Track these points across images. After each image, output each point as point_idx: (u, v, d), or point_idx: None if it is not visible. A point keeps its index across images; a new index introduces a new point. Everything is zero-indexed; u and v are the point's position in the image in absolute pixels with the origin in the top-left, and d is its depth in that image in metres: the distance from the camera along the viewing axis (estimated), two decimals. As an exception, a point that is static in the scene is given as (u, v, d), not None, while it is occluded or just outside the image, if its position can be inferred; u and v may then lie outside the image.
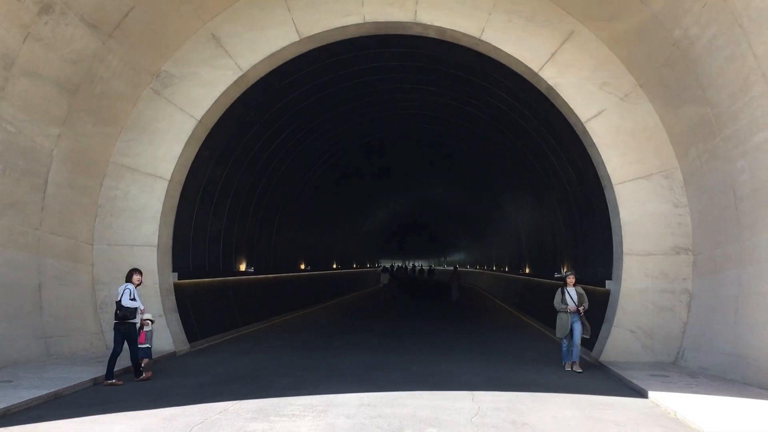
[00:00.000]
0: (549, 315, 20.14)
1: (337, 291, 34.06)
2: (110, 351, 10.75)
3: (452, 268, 35.12)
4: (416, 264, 68.30)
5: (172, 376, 11.16)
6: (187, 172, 14.41)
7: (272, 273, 22.61)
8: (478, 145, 23.29)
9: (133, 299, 10.64)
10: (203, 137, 14.42)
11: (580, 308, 12.25)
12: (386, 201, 42.79)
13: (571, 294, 12.42)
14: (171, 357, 13.20)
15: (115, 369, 10.48)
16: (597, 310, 14.71)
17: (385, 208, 45.33)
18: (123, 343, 10.56)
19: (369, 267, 50.39)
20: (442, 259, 75.98)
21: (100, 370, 10.62)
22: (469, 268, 54.90)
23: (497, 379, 11.21)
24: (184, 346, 13.92)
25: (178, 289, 14.59)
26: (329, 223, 32.00)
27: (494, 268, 40.20)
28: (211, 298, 16.60)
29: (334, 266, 35.00)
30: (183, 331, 14.17)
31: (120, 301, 10.52)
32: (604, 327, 13.44)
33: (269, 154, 18.93)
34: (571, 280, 12.59)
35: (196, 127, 13.82)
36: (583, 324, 12.25)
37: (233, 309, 17.88)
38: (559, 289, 12.64)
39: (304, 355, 13.58)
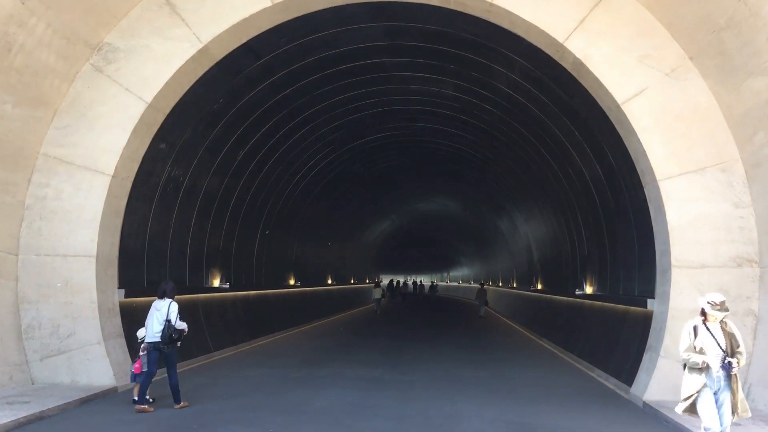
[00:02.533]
0: (567, 337, 17.68)
1: (331, 309, 31.44)
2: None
3: (479, 285, 34.06)
4: (416, 279, 65.51)
5: (94, 422, 8.60)
6: (137, 167, 11.94)
7: (254, 289, 20.06)
8: (485, 144, 20.80)
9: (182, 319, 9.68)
10: (157, 125, 11.97)
11: (734, 363, 6.54)
12: (385, 212, 40.28)
13: (716, 335, 6.70)
14: (110, 394, 10.64)
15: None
16: (634, 336, 12.15)
17: (384, 220, 42.82)
18: (157, 365, 9.54)
19: (368, 283, 47.77)
20: (445, 274, 73.30)
21: (22, 414, 8.21)
22: (472, 284, 52.23)
23: (518, 428, 8.64)
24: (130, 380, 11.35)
25: (125, 309, 12.06)
26: (322, 235, 29.48)
27: (500, 284, 37.59)
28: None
29: (329, 282, 32.44)
30: (130, 362, 11.56)
31: (169, 320, 9.40)
32: (646, 357, 10.85)
33: (247, 152, 16.46)
34: (716, 313, 6.69)
35: (146, 111, 11.36)
36: (733, 393, 6.66)
37: (203, 331, 15.31)
38: (691, 326, 6.88)
39: (276, 391, 11.00)
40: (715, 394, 6.74)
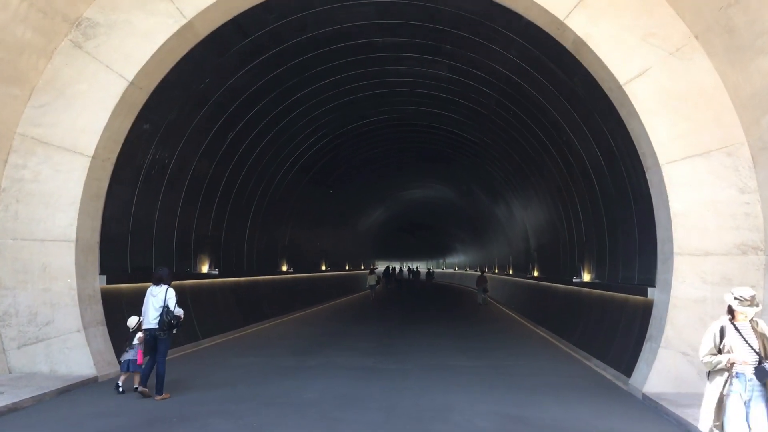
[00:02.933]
0: (563, 325, 17.34)
1: (325, 295, 31.09)
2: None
3: (479, 272, 34.18)
4: (411, 266, 65.06)
5: (70, 413, 8.20)
6: (119, 149, 11.47)
7: (245, 275, 19.65)
8: (482, 128, 20.34)
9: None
10: (140, 105, 11.49)
11: None
12: (380, 198, 39.85)
13: (747, 336, 5.82)
14: (89, 384, 10.23)
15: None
16: (633, 325, 11.80)
17: (379, 205, 42.39)
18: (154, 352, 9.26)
19: (364, 269, 47.40)
20: (441, 260, 73.06)
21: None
22: (468, 271, 51.92)
23: (513, 421, 8.27)
24: (112, 369, 10.95)
25: (108, 296, 11.65)
26: (316, 221, 29.05)
27: (496, 271, 37.25)
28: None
29: (323, 268, 32.06)
30: (112, 350, 11.19)
31: (167, 306, 9.15)
32: (646, 348, 10.49)
33: (236, 134, 15.98)
34: (746, 310, 5.82)
35: (128, 90, 10.88)
36: None
37: (191, 319, 14.89)
38: (716, 327, 5.96)
39: (263, 381, 10.62)
40: (745, 404, 5.71)
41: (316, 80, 16.33)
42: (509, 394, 9.89)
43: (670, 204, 10.03)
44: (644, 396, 9.73)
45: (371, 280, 34.76)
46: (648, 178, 10.76)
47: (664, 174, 10.09)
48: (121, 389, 9.45)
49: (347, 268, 39.73)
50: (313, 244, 29.77)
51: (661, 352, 9.90)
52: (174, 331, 9.36)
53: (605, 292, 14.01)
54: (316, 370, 11.74)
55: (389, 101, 19.99)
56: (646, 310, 11.14)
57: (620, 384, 10.95)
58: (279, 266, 23.78)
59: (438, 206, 45.29)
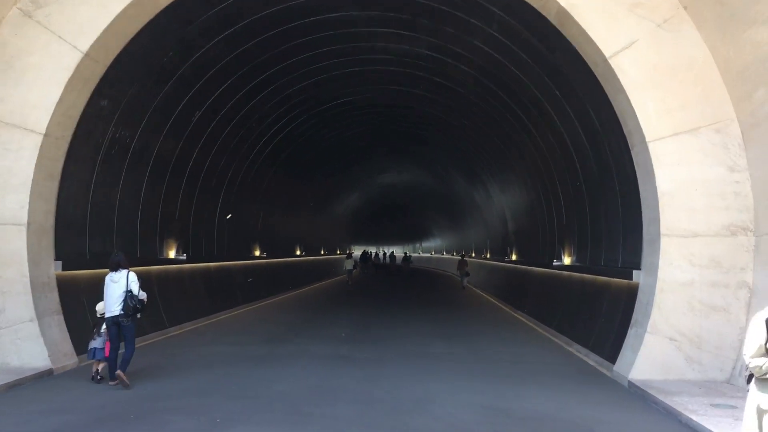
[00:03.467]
0: (541, 309, 16.96)
1: (300, 281, 30.49)
2: None
3: (460, 256, 33.83)
4: (387, 251, 64.53)
5: (16, 410, 7.55)
6: (74, 126, 10.71)
7: (216, 261, 18.97)
8: (460, 108, 19.79)
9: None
10: (96, 79, 10.72)
11: None
12: (356, 182, 39.21)
13: None
14: (44, 377, 9.56)
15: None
16: (616, 310, 11.41)
17: (355, 189, 41.77)
18: (119, 339, 9.06)
19: (340, 254, 46.84)
20: (418, 245, 72.71)
21: None
22: (445, 255, 51.60)
23: (495, 413, 7.80)
24: (69, 360, 10.29)
25: (65, 283, 10.94)
26: (290, 205, 28.36)
27: (473, 255, 36.92)
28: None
29: (298, 253, 31.42)
30: (69, 340, 10.52)
31: (130, 290, 8.93)
32: (631, 333, 10.09)
33: (204, 113, 15.23)
34: None
35: (83, 62, 10.11)
36: None
37: (157, 306, 14.23)
38: (762, 319, 4.47)
39: (231, 372, 10.02)
40: None
41: (288, 56, 15.61)
42: (491, 383, 9.44)
43: (657, 183, 9.61)
44: (630, 383, 9.34)
45: (348, 264, 35.05)
46: (633, 157, 10.31)
47: (650, 152, 9.65)
48: (99, 376, 9.20)
49: (323, 252, 39.13)
50: (288, 229, 29.10)
51: (648, 338, 9.50)
52: (138, 316, 9.12)
53: (586, 276, 13.63)
54: (288, 359, 11.18)
55: (365, 80, 19.32)
56: (631, 294, 10.76)
57: (604, 371, 10.56)
58: (252, 251, 23.11)
59: (415, 190, 44.79)
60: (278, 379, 9.51)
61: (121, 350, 9.12)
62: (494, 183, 24.73)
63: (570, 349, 12.80)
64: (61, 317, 10.50)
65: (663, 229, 9.56)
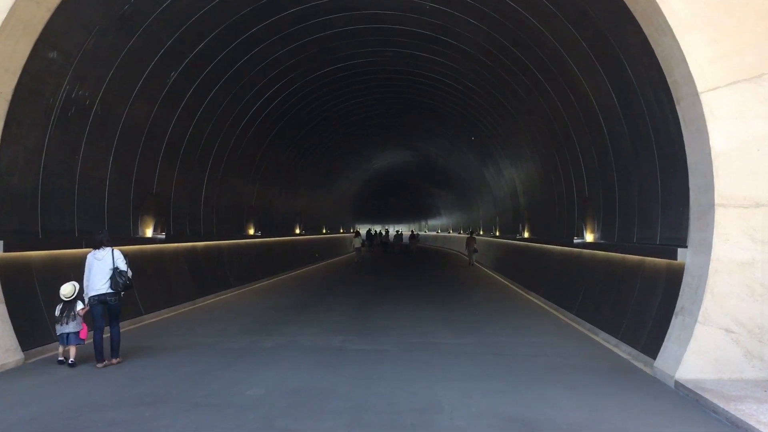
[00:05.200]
0: (559, 292, 15.33)
1: (299, 261, 28.99)
2: None
3: (468, 233, 34.36)
4: (388, 229, 62.87)
5: None
6: (16, 81, 9.08)
7: (202, 240, 17.41)
8: (469, 70, 18.04)
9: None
10: (40, 25, 9.07)
11: None
12: (360, 157, 37.48)
13: None
14: (-23, 378, 8.06)
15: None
16: (653, 294, 9.80)
17: (359, 165, 40.04)
18: (104, 319, 8.82)
19: (343, 232, 45.31)
20: (424, 223, 71.15)
21: None
22: (452, 233, 50.03)
23: (517, 426, 6.22)
24: (11, 357, 8.75)
25: (11, 266, 9.39)
26: (289, 180, 26.73)
27: (481, 233, 35.31)
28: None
29: (297, 231, 29.87)
30: (13, 335, 8.96)
31: (117, 267, 8.77)
32: (676, 323, 8.47)
33: (182, 73, 13.58)
34: None
35: (21, 3, 8.45)
36: None
37: (131, 291, 12.65)
38: None
39: (202, 371, 8.47)
40: None
41: (276, 9, 13.89)
42: (508, 383, 7.86)
43: (711, 142, 7.93)
44: (677, 384, 7.75)
45: (356, 243, 35.72)
46: (679, 113, 8.61)
47: (703, 105, 7.96)
48: (72, 361, 8.70)
49: (324, 231, 37.58)
50: (286, 206, 27.51)
51: (699, 329, 7.89)
52: (122, 294, 8.90)
53: (613, 255, 12.00)
54: (272, 353, 9.62)
55: (366, 42, 17.57)
56: (672, 275, 9.15)
57: (641, 366, 8.98)
58: (245, 229, 21.55)
59: (421, 165, 43.05)
60: (255, 379, 7.95)
61: (106, 334, 8.86)
62: (504, 154, 23.02)
63: (596, 338, 11.22)
64: (4, 306, 8.93)
65: (717, 199, 7.90)
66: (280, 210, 26.52)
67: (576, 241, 14.04)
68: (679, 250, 8.72)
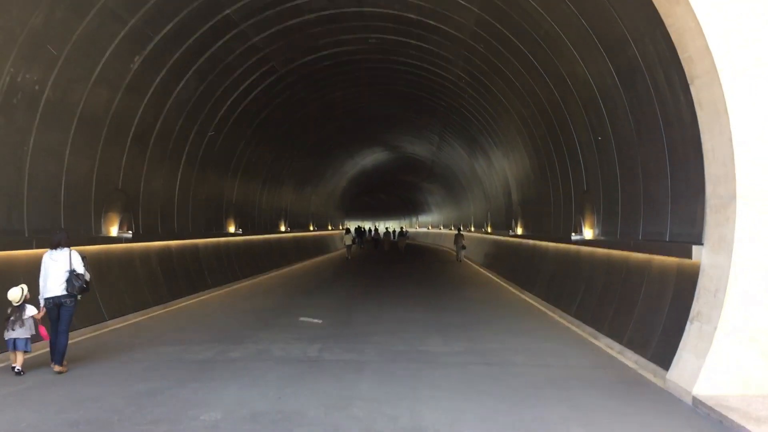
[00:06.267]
0: (556, 292, 14.35)
1: (284, 259, 27.96)
2: None
3: (457, 230, 35.09)
4: (377, 226, 61.89)
5: None
6: (-55, 61, 8.02)
7: (176, 238, 16.35)
8: (458, 57, 17.04)
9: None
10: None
11: None
12: (348, 152, 36.39)
13: None
14: None
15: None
16: (662, 296, 8.87)
17: (347, 160, 38.96)
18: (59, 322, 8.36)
19: (331, 230, 44.28)
20: (414, 219, 70.21)
21: None
22: (442, 230, 49.11)
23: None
24: (-60, 374, 7.72)
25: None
26: (273, 175, 25.65)
27: (472, 229, 34.40)
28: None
29: (282, 229, 28.82)
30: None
31: (74, 269, 8.41)
32: (692, 330, 7.52)
33: (146, 60, 12.51)
34: None
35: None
36: None
37: (92, 295, 11.61)
38: None
39: (148, 391, 7.43)
40: None
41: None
42: (504, 402, 6.89)
43: (732, 127, 6.98)
44: (696, 400, 6.80)
45: (347, 240, 35.49)
46: (694, 94, 7.64)
47: (723, 84, 7.00)
48: (18, 369, 8.15)
49: (311, 228, 36.54)
50: (270, 202, 26.46)
51: (719, 338, 6.94)
52: (79, 297, 8.52)
53: (615, 252, 11.07)
54: (239, 366, 8.60)
55: (347, 28, 16.53)
56: (684, 276, 8.21)
57: (651, 377, 8.04)
58: (224, 227, 20.50)
59: (410, 159, 42.01)
60: (213, 400, 6.93)
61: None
62: (496, 147, 22.05)
63: (597, 343, 10.28)
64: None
65: (740, 190, 6.96)
66: (264, 206, 25.48)
67: (574, 237, 13.09)
68: (694, 247, 7.76)
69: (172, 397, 7.02)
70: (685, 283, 8.14)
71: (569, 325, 12.00)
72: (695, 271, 7.82)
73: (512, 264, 21.14)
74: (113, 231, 12.91)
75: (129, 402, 6.85)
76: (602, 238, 11.88)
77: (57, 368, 8.18)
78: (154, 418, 6.28)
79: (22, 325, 8.15)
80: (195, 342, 10.32)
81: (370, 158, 41.81)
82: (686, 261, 8.11)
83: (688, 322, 7.62)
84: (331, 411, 6.50)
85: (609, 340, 10.12)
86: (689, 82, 7.69)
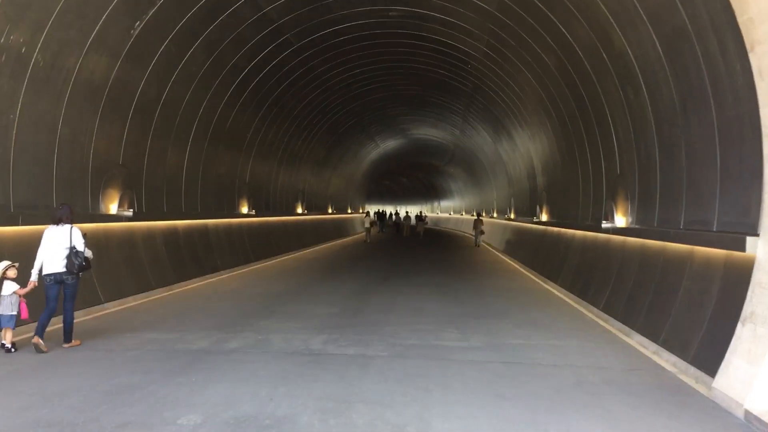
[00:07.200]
0: (583, 283, 13.30)
1: (300, 242, 27.24)
2: None
3: (476, 216, 35.64)
4: (398, 210, 60.92)
5: None
6: None
7: (184, 218, 15.65)
8: (484, 32, 16.03)
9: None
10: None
11: None
12: (368, 133, 35.46)
13: None
14: None
15: None
16: (706, 293, 7.91)
17: (368, 142, 38.04)
18: (57, 300, 8.24)
19: (350, 213, 43.52)
20: (436, 204, 69.21)
21: None
22: (464, 215, 48.09)
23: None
24: None
25: None
26: (290, 155, 24.85)
27: (495, 215, 33.41)
28: (28, 260, 9.49)
29: (299, 211, 28.09)
30: None
31: (74, 246, 8.23)
32: (744, 333, 6.57)
33: (147, 26, 11.71)
34: None
35: None
36: None
37: (89, 277, 10.95)
38: None
39: (126, 387, 6.69)
40: None
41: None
42: (526, 410, 6.02)
43: (801, 99, 5.98)
44: (749, 414, 5.88)
45: (366, 222, 36.12)
46: (753, 62, 6.63)
47: (791, 48, 5.99)
48: (8, 347, 8.02)
49: (330, 211, 35.79)
50: (287, 183, 25.70)
51: (778, 344, 6.00)
52: (80, 275, 8.40)
53: (651, 242, 10.09)
54: (233, 359, 7.83)
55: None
56: (734, 269, 7.26)
57: (693, 383, 7.12)
58: (237, 207, 19.78)
59: (432, 143, 41.02)
60: (197, 399, 6.16)
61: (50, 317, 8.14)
62: (520, 129, 21.01)
63: (629, 341, 9.35)
64: None
65: (807, 172, 5.97)
66: (280, 187, 24.72)
67: (605, 225, 12.10)
68: (748, 239, 6.77)
69: (151, 395, 6.26)
70: (735, 279, 7.19)
71: (597, 320, 11.07)
72: (747, 265, 6.86)
73: (536, 252, 20.16)
74: (112, 209, 12.21)
75: (103, 399, 6.10)
76: (637, 226, 10.89)
77: (66, 345, 8.28)
78: (124, 420, 5.51)
79: (2, 301, 7.99)
80: (192, 330, 9.59)
81: (392, 141, 40.87)
82: (736, 254, 7.15)
83: (739, 324, 6.67)
84: (327, 417, 5.69)
85: (642, 338, 9.19)
86: (748, 49, 6.67)
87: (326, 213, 34.85)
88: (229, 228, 18.95)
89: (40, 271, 8.22)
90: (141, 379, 6.82)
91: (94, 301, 11.07)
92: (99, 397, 6.17)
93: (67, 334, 8.33)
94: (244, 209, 20.30)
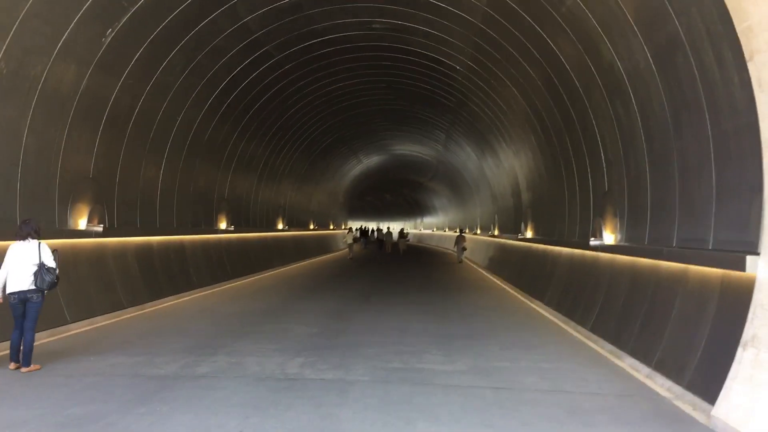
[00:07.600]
0: (570, 302, 12.92)
1: (281, 259, 26.69)
2: None
3: (458, 232, 36.14)
4: (380, 227, 60.46)
5: None
6: None
7: (158, 234, 15.09)
8: (468, 45, 15.75)
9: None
10: None
11: None
12: (351, 148, 35.09)
13: None
14: None
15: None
16: (702, 314, 7.55)
17: (350, 159, 37.69)
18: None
19: (333, 229, 43.01)
20: (419, 220, 68.92)
21: None
22: (447, 232, 47.77)
23: None
24: None
25: None
26: (270, 170, 24.37)
27: (478, 232, 33.11)
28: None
29: (280, 227, 27.56)
30: None
31: (43, 263, 7.89)
32: (745, 358, 6.19)
33: (119, 34, 11.26)
34: None
35: None
36: None
37: (54, 295, 10.37)
38: None
39: (91, 415, 6.16)
40: None
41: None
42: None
43: (804, 110, 5.66)
44: (753, 446, 5.48)
45: (349, 239, 35.75)
46: (752, 72, 6.32)
47: (793, 57, 5.68)
48: None
49: (312, 227, 35.28)
50: (267, 199, 25.20)
51: (784, 370, 5.62)
52: (46, 292, 8.05)
53: (642, 260, 9.74)
54: (201, 384, 7.31)
55: (347, 11, 15.26)
56: (731, 290, 6.90)
57: (690, 410, 6.71)
58: (215, 223, 19.24)
59: (417, 158, 40.73)
60: None
61: None
62: (506, 145, 20.73)
63: (621, 364, 8.96)
64: None
65: (812, 188, 5.64)
66: (260, 203, 24.21)
67: (593, 242, 11.74)
68: (749, 258, 6.40)
69: (108, 427, 5.73)
70: (732, 299, 6.83)
71: (586, 341, 10.68)
72: (746, 285, 6.51)
73: (521, 269, 19.80)
74: (81, 224, 11.65)
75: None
76: (626, 244, 10.55)
77: (24, 369, 7.78)
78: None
79: None
80: (161, 352, 9.05)
81: (375, 156, 40.55)
82: (734, 273, 6.79)
83: (740, 348, 6.29)
84: (301, 451, 5.21)
85: (634, 361, 8.80)
86: (747, 58, 6.36)
87: (308, 229, 34.36)
88: (206, 244, 18.40)
89: (3, 289, 7.81)
90: (99, 409, 6.29)
91: (59, 322, 10.49)
92: (48, 430, 5.63)
93: (26, 358, 7.85)
94: (223, 225, 19.77)
